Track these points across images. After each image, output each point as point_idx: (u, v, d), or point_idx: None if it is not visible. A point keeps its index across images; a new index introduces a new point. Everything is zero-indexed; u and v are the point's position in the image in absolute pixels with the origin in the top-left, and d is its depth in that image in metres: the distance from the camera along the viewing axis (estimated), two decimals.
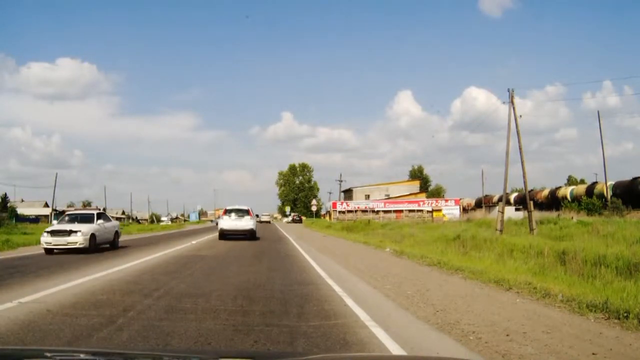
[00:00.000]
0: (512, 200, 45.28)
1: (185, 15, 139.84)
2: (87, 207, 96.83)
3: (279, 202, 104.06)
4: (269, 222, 63.37)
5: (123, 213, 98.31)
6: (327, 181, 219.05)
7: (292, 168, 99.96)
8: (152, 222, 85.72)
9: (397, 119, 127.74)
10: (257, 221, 28.68)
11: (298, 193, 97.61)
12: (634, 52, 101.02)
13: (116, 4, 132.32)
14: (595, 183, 40.90)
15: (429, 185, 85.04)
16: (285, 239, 23.95)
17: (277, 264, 11.91)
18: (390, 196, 67.29)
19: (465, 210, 56.53)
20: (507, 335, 4.87)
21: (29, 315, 5.42)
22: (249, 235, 21.68)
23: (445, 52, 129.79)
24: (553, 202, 41.53)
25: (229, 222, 22.03)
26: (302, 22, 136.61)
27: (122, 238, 25.42)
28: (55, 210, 64.01)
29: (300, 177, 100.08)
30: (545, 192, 47.22)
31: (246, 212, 22.31)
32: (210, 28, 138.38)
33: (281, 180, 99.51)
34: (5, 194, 66.67)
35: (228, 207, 23.19)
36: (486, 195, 59.72)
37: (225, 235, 21.72)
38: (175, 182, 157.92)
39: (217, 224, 29.08)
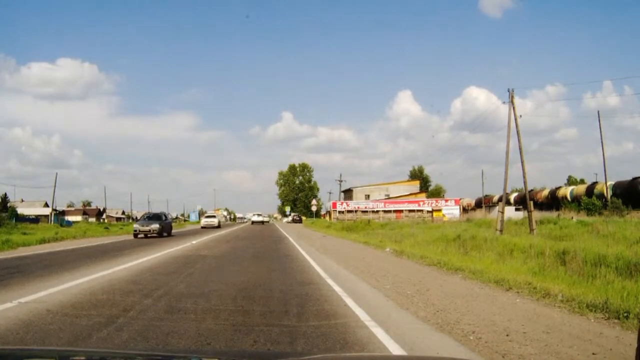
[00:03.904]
0: (512, 200, 45.31)
1: (185, 15, 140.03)
2: (88, 207, 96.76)
3: (279, 202, 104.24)
4: (268, 221, 70.41)
5: (123, 213, 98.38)
6: (327, 181, 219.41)
7: (292, 168, 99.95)
8: None
9: (397, 119, 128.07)
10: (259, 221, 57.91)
11: (298, 193, 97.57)
12: (634, 52, 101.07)
13: (116, 4, 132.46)
14: (595, 183, 40.89)
15: (429, 186, 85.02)
16: (285, 239, 23.95)
17: (277, 263, 11.91)
18: (390, 196, 67.27)
19: (465, 210, 56.56)
20: (507, 335, 4.87)
21: (29, 315, 5.42)
22: (263, 223, 56.25)
23: (445, 52, 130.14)
24: (553, 202, 41.55)
25: (255, 218, 61.18)
26: (302, 22, 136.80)
27: (121, 238, 25.60)
28: (55, 210, 63.99)
29: (300, 177, 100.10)
30: (545, 192, 47.24)
31: (261, 215, 63.38)
32: (210, 28, 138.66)
33: (281, 180, 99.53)
34: (5, 194, 66.70)
35: (255, 213, 66.30)
36: (486, 195, 59.78)
37: (253, 223, 56.92)
38: (175, 182, 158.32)
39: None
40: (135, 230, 25.77)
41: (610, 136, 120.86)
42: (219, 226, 44.30)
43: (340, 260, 12.87)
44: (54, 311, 5.67)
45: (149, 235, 24.74)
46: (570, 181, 62.31)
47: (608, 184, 36.37)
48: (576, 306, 6.13)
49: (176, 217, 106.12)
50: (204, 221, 46.14)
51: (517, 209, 37.49)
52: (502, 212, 22.65)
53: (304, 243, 20.38)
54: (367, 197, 68.68)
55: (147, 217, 29.05)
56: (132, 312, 5.64)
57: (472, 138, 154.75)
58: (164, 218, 27.95)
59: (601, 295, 6.45)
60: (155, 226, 25.36)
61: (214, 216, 48.83)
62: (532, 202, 23.87)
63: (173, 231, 30.01)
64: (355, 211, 59.08)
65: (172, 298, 6.68)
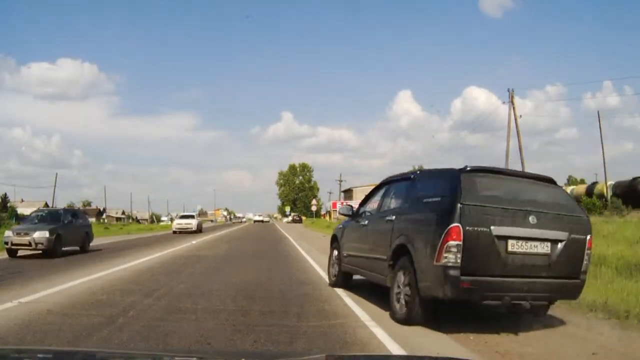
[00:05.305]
0: None
1: (186, 15, 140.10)
2: (88, 207, 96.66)
3: (279, 202, 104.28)
4: (268, 221, 74.46)
5: (123, 213, 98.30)
6: (327, 181, 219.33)
7: (292, 168, 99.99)
8: (152, 222, 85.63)
9: (397, 119, 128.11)
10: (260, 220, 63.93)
11: (298, 193, 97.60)
12: (634, 52, 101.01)
13: (117, 4, 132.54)
14: (595, 183, 40.83)
15: None
16: (285, 239, 23.96)
17: (277, 264, 11.91)
18: None
19: None
20: (507, 335, 4.87)
21: (29, 315, 5.42)
22: (263, 222, 71.45)
23: (445, 52, 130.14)
24: None
25: (256, 218, 79.86)
26: (302, 22, 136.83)
27: (120, 238, 25.30)
28: None
29: (300, 177, 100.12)
30: None
31: (262, 215, 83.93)
32: (210, 28, 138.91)
33: (281, 180, 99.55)
34: (5, 194, 66.72)
35: (256, 213, 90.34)
36: None
37: (255, 222, 72.67)
38: (175, 182, 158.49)
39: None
40: (6, 242, 13.34)
41: (610, 136, 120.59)
42: (199, 230, 31.70)
43: None
44: (54, 311, 5.67)
45: (40, 248, 13.04)
46: (570, 181, 62.27)
47: (608, 184, 36.30)
48: (576, 306, 6.13)
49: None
50: (176, 223, 32.73)
51: None
52: None
53: (304, 243, 20.37)
54: None
55: (35, 218, 15.07)
56: (132, 312, 5.64)
57: (472, 138, 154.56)
58: (65, 220, 14.65)
59: (601, 295, 6.46)
60: (41, 235, 13.00)
61: (191, 216, 34.31)
62: None
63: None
64: None
65: (172, 298, 6.68)
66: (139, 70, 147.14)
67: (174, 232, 30.61)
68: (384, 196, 6.82)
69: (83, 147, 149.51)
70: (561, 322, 5.51)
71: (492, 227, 4.78)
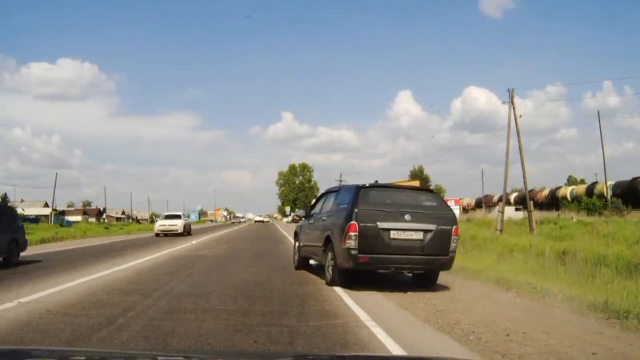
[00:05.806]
0: (512, 200, 45.27)
1: (186, 16, 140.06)
2: (88, 207, 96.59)
3: (279, 202, 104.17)
4: (268, 221, 75.96)
5: (123, 213, 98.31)
6: (327, 181, 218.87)
7: (292, 168, 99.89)
8: (152, 222, 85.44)
9: (397, 119, 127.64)
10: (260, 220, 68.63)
11: (298, 193, 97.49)
12: (634, 52, 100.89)
13: (116, 4, 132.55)
14: (595, 183, 40.84)
15: (429, 185, 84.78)
16: (285, 239, 23.95)
17: (277, 263, 11.91)
18: None
19: (465, 210, 56.51)
20: (507, 335, 4.87)
21: (29, 315, 5.41)
22: (263, 222, 73.26)
23: (445, 52, 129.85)
24: (553, 202, 41.51)
25: (257, 218, 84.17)
26: (302, 22, 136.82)
27: (121, 238, 25.20)
28: (55, 210, 63.99)
29: (300, 177, 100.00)
30: (545, 192, 47.19)
31: (262, 215, 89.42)
32: (211, 28, 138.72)
33: (281, 180, 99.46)
34: (6, 194, 66.80)
35: (256, 214, 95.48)
36: (486, 195, 59.72)
37: (255, 222, 75.31)
38: (175, 182, 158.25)
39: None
40: None
41: (610, 136, 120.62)
42: (186, 233, 27.43)
43: None
44: (54, 311, 5.66)
45: None
46: (570, 181, 62.22)
47: (608, 184, 36.30)
48: (576, 306, 6.13)
49: None
50: (159, 224, 27.38)
51: (517, 209, 37.47)
52: (502, 212, 22.67)
53: None
54: None
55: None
56: (132, 312, 5.64)
57: (472, 138, 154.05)
58: None
59: (601, 295, 6.46)
60: None
61: (177, 216, 28.53)
62: (532, 202, 23.89)
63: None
64: None
65: (172, 298, 6.68)
66: (139, 70, 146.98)
67: (157, 235, 25.83)
68: (323, 202, 9.53)
69: (83, 147, 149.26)
70: (561, 322, 5.50)
71: (378, 223, 7.19)
